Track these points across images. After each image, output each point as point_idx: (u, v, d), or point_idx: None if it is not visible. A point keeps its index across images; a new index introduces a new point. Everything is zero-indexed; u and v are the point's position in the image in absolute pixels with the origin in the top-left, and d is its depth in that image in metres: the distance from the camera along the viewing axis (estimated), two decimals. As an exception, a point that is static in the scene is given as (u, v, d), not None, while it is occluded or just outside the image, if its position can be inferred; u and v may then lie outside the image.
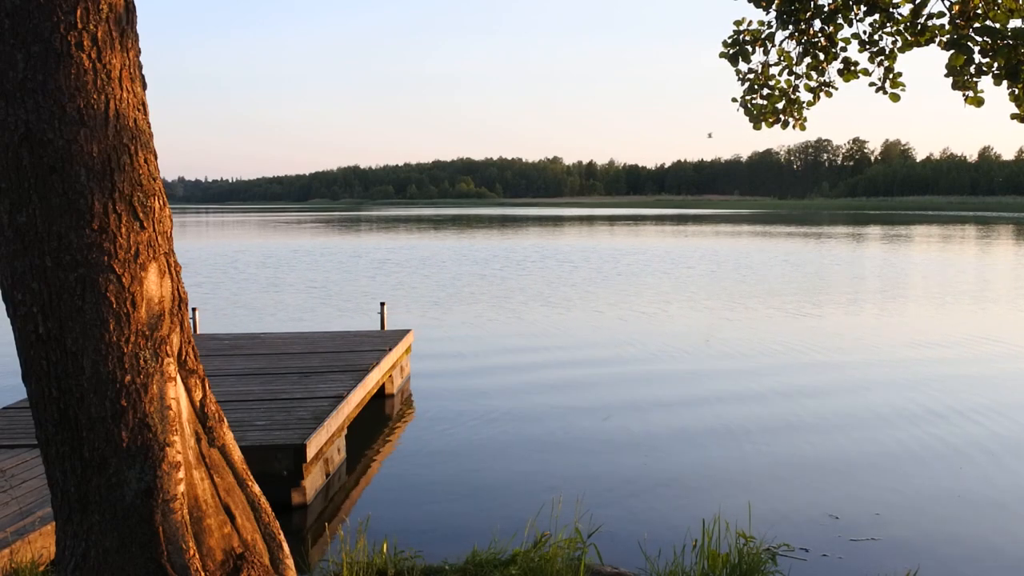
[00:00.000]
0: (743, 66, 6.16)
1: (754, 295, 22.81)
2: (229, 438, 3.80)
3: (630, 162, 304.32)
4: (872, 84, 5.96)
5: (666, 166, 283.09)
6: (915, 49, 5.83)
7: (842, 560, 6.28)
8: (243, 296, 23.39)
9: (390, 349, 11.52)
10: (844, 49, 6.05)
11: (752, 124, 6.37)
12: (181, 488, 3.44)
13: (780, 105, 6.27)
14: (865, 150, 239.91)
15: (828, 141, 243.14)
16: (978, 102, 5.52)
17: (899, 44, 5.90)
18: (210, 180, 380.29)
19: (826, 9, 5.89)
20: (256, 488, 3.86)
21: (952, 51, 5.30)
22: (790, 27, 5.98)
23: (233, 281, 27.44)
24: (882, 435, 9.56)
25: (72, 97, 3.20)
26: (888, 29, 5.90)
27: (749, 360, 14.08)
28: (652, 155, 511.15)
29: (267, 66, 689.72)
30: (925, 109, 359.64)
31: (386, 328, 13.85)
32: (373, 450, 9.34)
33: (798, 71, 6.19)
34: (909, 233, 58.98)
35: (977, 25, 5.37)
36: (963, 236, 54.71)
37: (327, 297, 23.11)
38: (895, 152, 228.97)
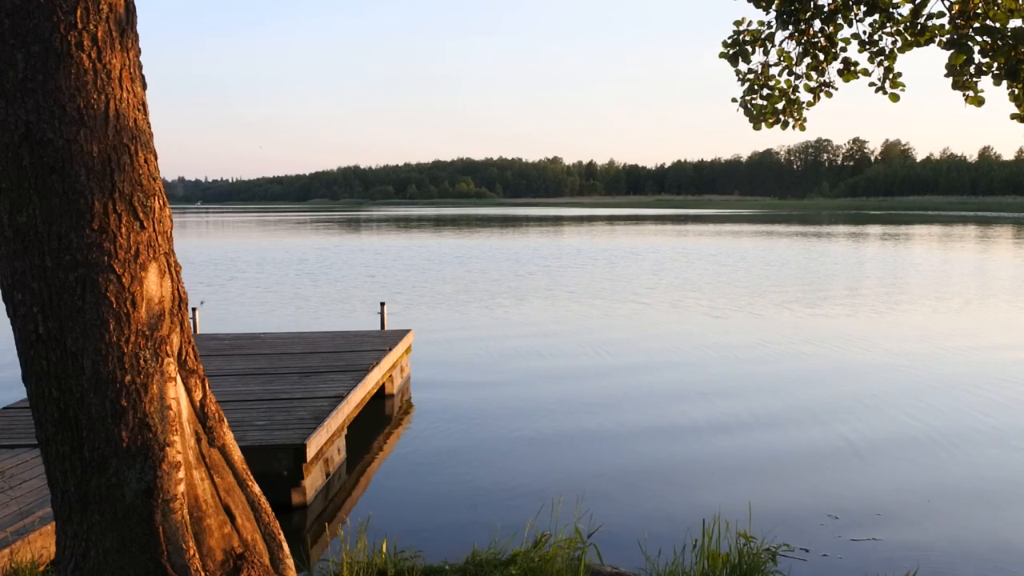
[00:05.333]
0: (743, 66, 6.16)
1: (762, 293, 22.83)
2: (229, 438, 3.80)
3: (630, 162, 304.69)
4: (872, 84, 5.96)
5: (666, 166, 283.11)
6: (915, 49, 5.83)
7: (842, 560, 6.28)
8: (304, 290, 24.71)
9: (390, 349, 11.52)
10: (844, 49, 6.05)
11: (752, 124, 6.37)
12: (181, 488, 3.44)
13: (780, 105, 6.27)
14: (865, 150, 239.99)
15: (828, 141, 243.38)
16: (978, 102, 5.52)
17: (899, 44, 5.90)
18: (210, 180, 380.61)
19: (826, 9, 5.89)
20: (256, 488, 3.86)
21: (952, 51, 5.30)
22: (790, 27, 5.98)
23: (285, 276, 28.81)
24: (883, 435, 9.56)
25: (72, 97, 3.20)
26: (888, 29, 5.89)
27: (751, 359, 14.08)
28: (652, 155, 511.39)
29: (268, 66, 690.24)
30: (925, 109, 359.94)
31: (386, 328, 13.86)
32: (373, 450, 9.35)
33: (798, 71, 6.18)
34: (919, 233, 59.02)
35: (977, 25, 5.37)
36: (978, 236, 54.67)
37: (385, 292, 23.91)
38: (895, 152, 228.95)
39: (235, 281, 27.28)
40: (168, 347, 3.46)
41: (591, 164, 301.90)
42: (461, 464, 8.66)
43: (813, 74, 6.16)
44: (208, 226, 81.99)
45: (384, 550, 5.36)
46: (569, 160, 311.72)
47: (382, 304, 14.21)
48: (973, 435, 9.55)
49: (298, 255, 39.10)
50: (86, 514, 3.39)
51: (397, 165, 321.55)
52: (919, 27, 5.71)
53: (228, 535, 3.63)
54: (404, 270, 30.96)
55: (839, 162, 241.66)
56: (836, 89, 6.17)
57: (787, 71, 6.19)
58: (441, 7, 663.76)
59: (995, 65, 5.27)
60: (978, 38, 5.26)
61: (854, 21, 5.90)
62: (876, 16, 5.86)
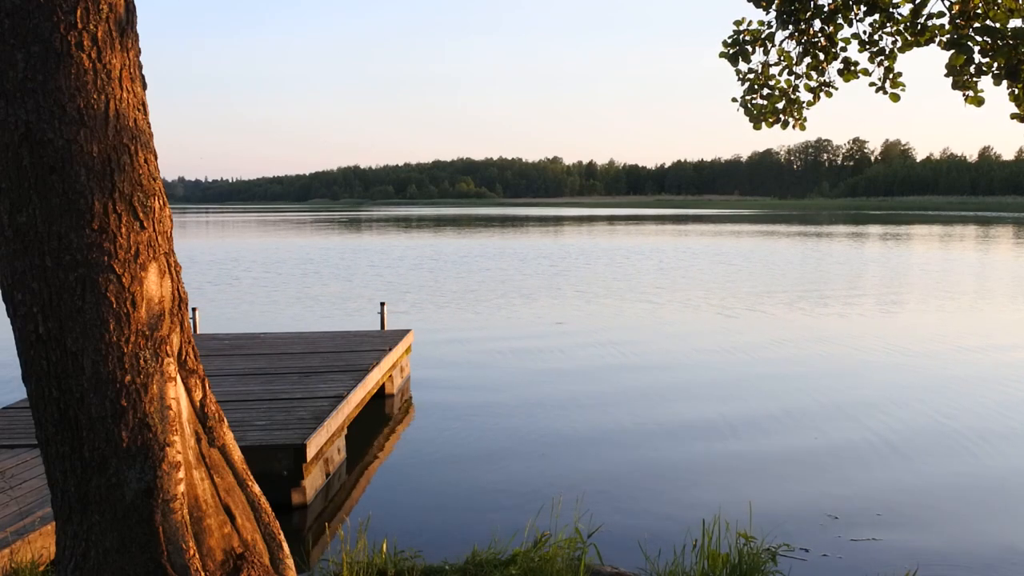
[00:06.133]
0: (743, 66, 6.16)
1: (771, 293, 22.82)
2: (229, 438, 3.80)
3: (630, 162, 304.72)
4: (872, 84, 5.96)
5: (666, 166, 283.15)
6: (915, 49, 5.83)
7: (842, 560, 6.28)
8: (313, 289, 25.02)
9: (390, 349, 11.52)
10: (844, 49, 6.05)
11: (752, 124, 6.37)
12: (181, 488, 3.44)
13: (780, 105, 6.27)
14: (865, 150, 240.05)
15: (828, 141, 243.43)
16: (978, 102, 5.52)
17: (899, 44, 5.90)
18: (210, 180, 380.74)
19: (826, 9, 5.89)
20: (256, 488, 3.86)
21: (952, 51, 5.30)
22: (790, 27, 5.98)
23: (292, 276, 29.15)
24: (883, 435, 9.56)
25: (72, 97, 3.20)
26: (888, 29, 5.90)
27: (753, 359, 14.08)
28: (652, 155, 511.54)
29: (268, 66, 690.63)
30: (925, 109, 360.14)
31: (386, 328, 13.86)
32: (373, 450, 9.34)
33: (798, 71, 6.19)
34: (921, 233, 59.04)
35: (977, 25, 5.37)
36: (981, 236, 54.65)
37: (394, 291, 24.18)
38: (895, 152, 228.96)
39: (242, 280, 27.32)
40: (168, 347, 3.46)
41: (591, 164, 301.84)
42: (461, 464, 8.65)
43: (813, 74, 6.16)
44: (209, 226, 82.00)
45: (384, 550, 5.36)
46: (569, 160, 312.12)
47: (382, 304, 14.21)
48: (975, 435, 9.55)
49: (303, 255, 39.22)
50: (86, 514, 3.39)
51: (397, 165, 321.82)
52: (919, 27, 5.71)
53: (228, 535, 3.63)
54: (411, 269, 31.08)
55: (839, 162, 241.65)
56: (836, 89, 6.18)
57: (787, 71, 6.19)
58: (441, 7, 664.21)
59: (995, 65, 5.27)
60: (978, 38, 5.26)
61: (854, 21, 5.91)
62: (876, 16, 5.86)
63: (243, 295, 23.37)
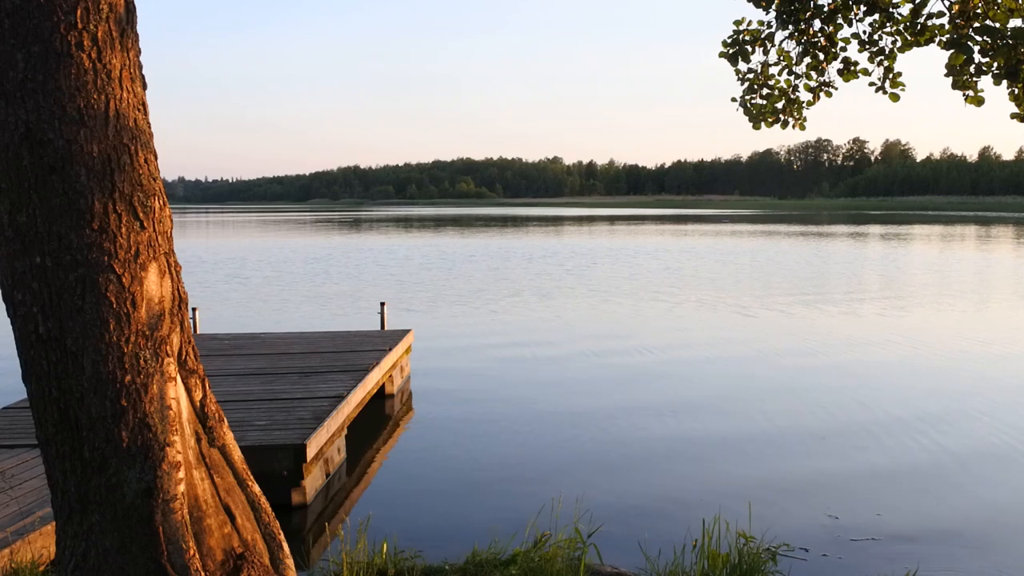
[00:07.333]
0: (743, 66, 6.17)
1: (783, 292, 22.82)
2: (229, 438, 3.80)
3: (630, 162, 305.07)
4: (872, 84, 5.96)
5: (666, 166, 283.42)
6: (915, 49, 5.84)
7: (842, 560, 6.28)
8: (326, 288, 25.21)
9: (390, 349, 11.52)
10: (844, 49, 6.05)
11: (752, 124, 6.37)
12: (181, 488, 3.44)
13: (780, 105, 6.27)
14: (865, 150, 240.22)
15: (828, 141, 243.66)
16: (978, 102, 5.52)
17: (899, 44, 5.90)
18: (210, 180, 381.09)
19: (826, 9, 5.89)
20: (256, 488, 3.86)
21: (952, 51, 5.30)
22: (790, 27, 5.98)
23: (304, 275, 29.22)
24: (883, 435, 9.56)
25: (72, 97, 3.20)
26: (888, 29, 5.90)
27: (753, 359, 14.07)
28: (652, 155, 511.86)
29: (268, 66, 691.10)
30: (925, 109, 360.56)
31: (386, 328, 13.86)
32: (373, 450, 9.34)
33: (798, 71, 6.19)
34: (924, 233, 59.06)
35: (977, 25, 5.38)
36: (984, 236, 54.64)
37: (405, 289, 24.37)
38: (895, 152, 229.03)
39: (252, 280, 27.28)
40: (168, 347, 3.46)
41: (591, 164, 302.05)
42: (461, 464, 8.65)
43: (813, 74, 6.16)
44: (210, 226, 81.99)
45: (384, 550, 5.36)
46: (569, 160, 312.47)
47: (382, 304, 14.21)
48: (976, 435, 9.55)
49: (308, 254, 39.30)
50: (86, 514, 3.39)
51: (397, 165, 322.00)
52: (919, 27, 5.71)
53: (228, 535, 3.63)
54: (419, 269, 31.11)
55: (839, 162, 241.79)
56: (836, 89, 6.17)
57: (787, 71, 6.19)
58: (441, 7, 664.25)
59: (995, 65, 5.28)
60: (978, 38, 5.27)
61: (854, 21, 5.91)
62: (876, 16, 5.86)
63: (254, 294, 23.39)
